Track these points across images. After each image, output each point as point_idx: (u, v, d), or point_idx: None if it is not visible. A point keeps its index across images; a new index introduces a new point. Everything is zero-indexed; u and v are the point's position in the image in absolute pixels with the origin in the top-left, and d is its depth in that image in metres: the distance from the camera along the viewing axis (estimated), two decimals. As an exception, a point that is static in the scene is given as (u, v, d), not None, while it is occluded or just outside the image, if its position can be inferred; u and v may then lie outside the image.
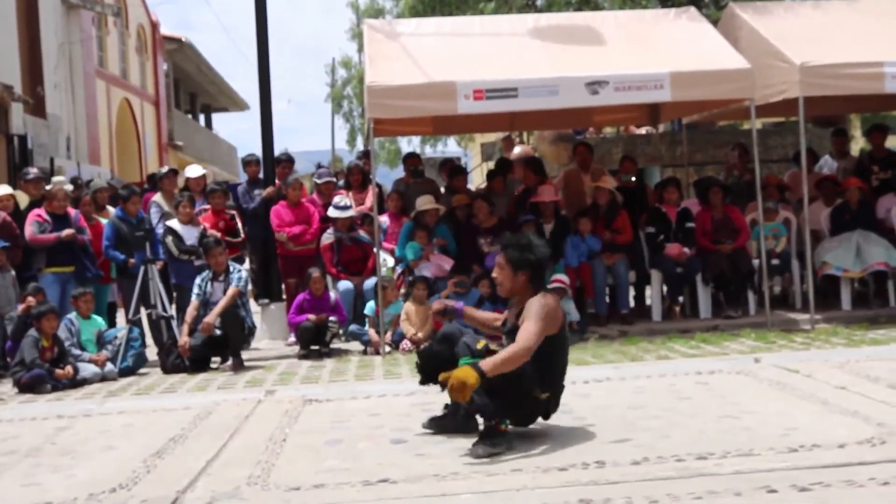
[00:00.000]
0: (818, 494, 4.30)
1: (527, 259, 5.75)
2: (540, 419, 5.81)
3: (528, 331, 5.44)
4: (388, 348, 10.10)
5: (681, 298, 11.38)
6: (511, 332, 5.72)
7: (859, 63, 10.13)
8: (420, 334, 10.13)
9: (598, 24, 11.48)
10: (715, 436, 5.45)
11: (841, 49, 10.44)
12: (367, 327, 10.43)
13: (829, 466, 4.71)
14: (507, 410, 5.49)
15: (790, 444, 5.14)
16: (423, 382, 6.07)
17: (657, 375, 7.70)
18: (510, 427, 5.52)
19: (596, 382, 7.51)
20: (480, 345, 5.64)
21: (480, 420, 5.53)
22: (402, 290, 10.93)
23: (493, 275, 6.07)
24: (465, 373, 5.20)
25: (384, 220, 11.60)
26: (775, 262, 11.15)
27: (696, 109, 12.28)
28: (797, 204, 11.58)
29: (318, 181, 12.24)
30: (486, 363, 5.27)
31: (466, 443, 5.61)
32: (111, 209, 11.40)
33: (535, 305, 5.58)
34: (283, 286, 11.78)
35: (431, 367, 5.83)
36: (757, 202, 10.69)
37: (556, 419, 6.19)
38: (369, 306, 10.53)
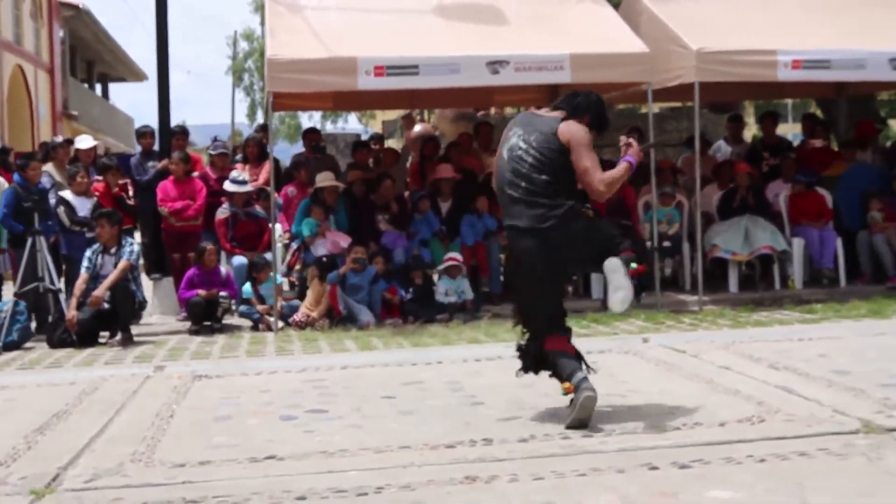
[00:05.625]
0: (697, 471, 4.40)
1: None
2: None
3: None
4: (280, 324, 10.02)
5: (573, 278, 11.47)
6: None
7: (754, 50, 10.35)
8: (314, 313, 10.08)
9: (501, 3, 11.48)
10: (601, 414, 5.52)
11: (738, 36, 10.65)
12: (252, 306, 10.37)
13: (710, 444, 4.81)
14: None
15: (673, 423, 5.25)
16: None
17: (549, 354, 7.75)
18: None
19: (488, 361, 7.55)
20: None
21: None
22: (297, 267, 10.90)
23: None
24: None
25: (291, 190, 11.57)
26: (667, 244, 11.36)
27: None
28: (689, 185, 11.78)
29: (213, 153, 12.09)
30: None
31: (356, 419, 5.60)
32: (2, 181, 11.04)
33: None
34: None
35: None
36: (651, 185, 10.86)
37: (447, 397, 6.23)
38: (245, 289, 10.45)
